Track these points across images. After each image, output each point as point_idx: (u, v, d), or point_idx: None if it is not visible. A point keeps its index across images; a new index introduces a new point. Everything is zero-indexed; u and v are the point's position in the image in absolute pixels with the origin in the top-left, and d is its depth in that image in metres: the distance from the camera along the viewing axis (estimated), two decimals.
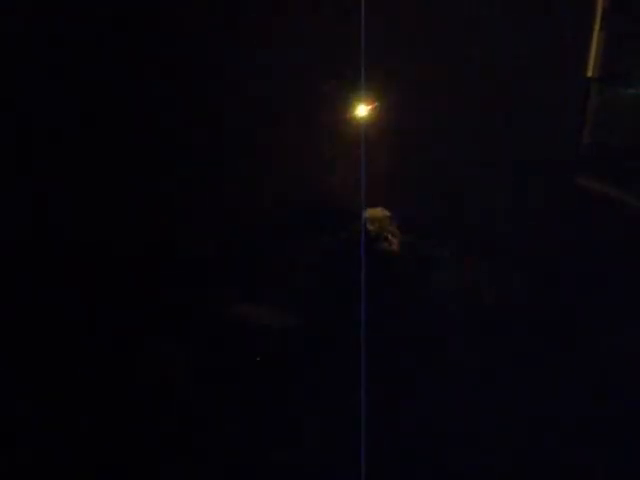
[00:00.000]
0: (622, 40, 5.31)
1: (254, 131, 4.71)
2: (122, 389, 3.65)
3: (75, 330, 3.94)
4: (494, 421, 3.51)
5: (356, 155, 4.43)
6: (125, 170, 4.44)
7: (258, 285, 4.50)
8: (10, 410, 3.48)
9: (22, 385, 3.58)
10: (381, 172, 5.09)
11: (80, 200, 4.32)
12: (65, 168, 4.28)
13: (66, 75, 4.20)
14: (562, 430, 3.53)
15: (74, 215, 4.34)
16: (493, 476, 3.31)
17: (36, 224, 4.20)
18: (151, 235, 4.54)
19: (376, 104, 4.75)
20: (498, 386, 3.71)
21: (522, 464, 3.38)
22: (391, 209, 5.13)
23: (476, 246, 5.04)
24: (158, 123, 4.44)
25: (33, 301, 4.00)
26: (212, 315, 4.19)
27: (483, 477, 3.32)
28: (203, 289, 4.37)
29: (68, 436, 3.35)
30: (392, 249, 4.92)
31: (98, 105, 4.31)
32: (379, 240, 4.95)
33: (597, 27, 5.42)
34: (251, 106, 4.66)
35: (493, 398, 3.63)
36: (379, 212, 5.10)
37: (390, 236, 4.98)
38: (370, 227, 4.97)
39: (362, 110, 4.69)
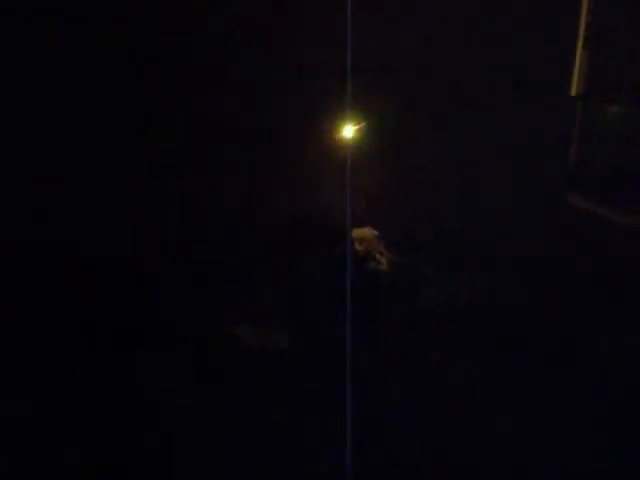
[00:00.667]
0: (605, 57, 5.36)
1: (238, 147, 4.70)
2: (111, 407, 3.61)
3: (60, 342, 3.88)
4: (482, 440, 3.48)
5: (343, 174, 4.43)
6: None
7: (244, 304, 4.42)
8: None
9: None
10: (368, 191, 5.09)
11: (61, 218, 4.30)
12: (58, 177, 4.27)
13: (64, 76, 4.18)
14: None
15: (66, 224, 4.35)
16: None
17: (32, 230, 4.19)
18: (134, 255, 4.52)
19: (362, 124, 4.76)
20: (488, 402, 3.69)
21: None
22: (379, 228, 5.13)
23: (465, 264, 5.04)
24: (143, 135, 4.44)
25: (30, 303, 3.99)
26: (199, 336, 4.14)
27: None
28: (188, 309, 4.33)
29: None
30: (381, 268, 4.90)
31: (88, 115, 4.30)
32: (367, 260, 4.94)
33: (580, 44, 5.47)
34: (235, 122, 4.66)
35: (484, 415, 3.60)
36: (367, 232, 5.09)
37: (378, 255, 4.97)
38: (358, 247, 4.95)
39: (349, 130, 4.70)
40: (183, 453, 3.40)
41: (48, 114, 4.17)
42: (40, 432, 3.40)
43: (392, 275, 4.84)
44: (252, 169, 4.78)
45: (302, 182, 4.97)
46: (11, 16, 3.95)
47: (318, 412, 3.60)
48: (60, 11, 4.05)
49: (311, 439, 3.46)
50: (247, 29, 4.57)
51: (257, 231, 4.86)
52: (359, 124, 4.91)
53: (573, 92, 5.56)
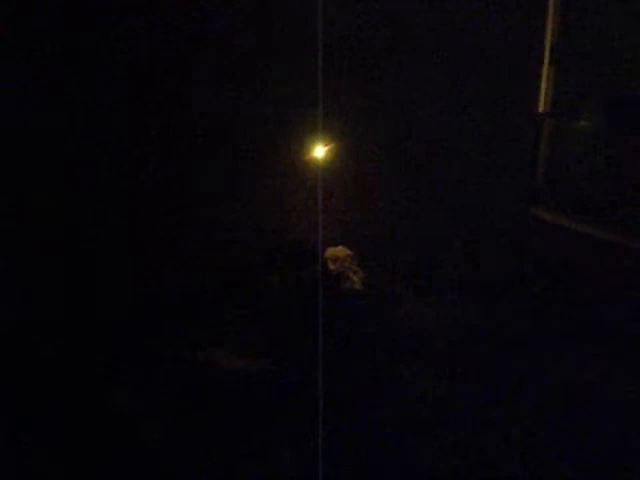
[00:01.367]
0: (571, 73, 5.45)
1: (206, 170, 4.70)
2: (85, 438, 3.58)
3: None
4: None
5: (314, 195, 4.45)
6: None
7: (217, 330, 4.42)
8: None
9: None
10: (340, 211, 5.12)
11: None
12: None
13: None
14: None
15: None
16: None
17: None
18: (109, 281, 4.46)
19: (332, 145, 4.78)
20: (466, 428, 3.71)
21: None
22: (352, 248, 5.16)
23: (437, 282, 5.09)
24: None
25: None
26: (174, 360, 4.13)
27: None
28: (163, 335, 4.32)
29: None
30: (354, 287, 4.93)
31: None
32: (341, 279, 4.96)
33: (546, 61, 5.56)
34: (205, 147, 4.66)
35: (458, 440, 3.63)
36: (340, 251, 5.12)
37: (352, 274, 4.99)
38: (331, 266, 4.98)
39: (319, 151, 4.72)
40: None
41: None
42: None
43: (365, 295, 4.87)
44: (218, 190, 4.75)
45: (272, 203, 4.98)
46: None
47: (292, 435, 3.60)
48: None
49: (286, 462, 3.46)
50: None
51: (227, 254, 4.83)
52: (329, 145, 4.94)
53: (540, 109, 5.65)
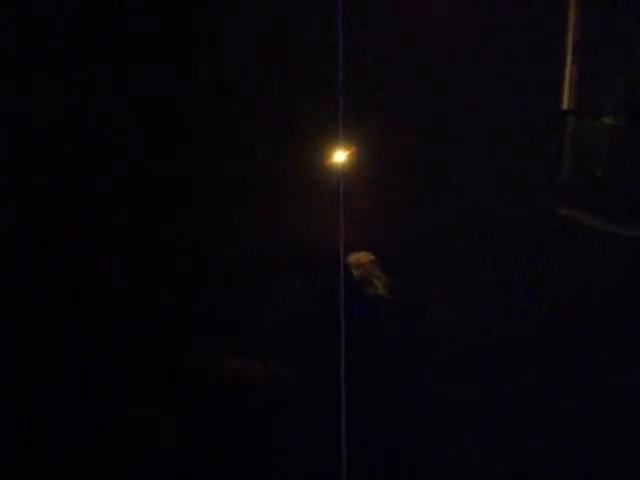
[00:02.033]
0: (594, 73, 5.37)
1: (229, 175, 4.69)
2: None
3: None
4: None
5: (335, 201, 4.43)
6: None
7: (242, 337, 4.45)
8: None
9: None
10: (363, 216, 5.09)
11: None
12: None
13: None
14: None
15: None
16: None
17: None
18: (128, 295, 4.52)
19: (354, 149, 4.76)
20: (487, 433, 3.69)
21: None
22: (375, 253, 5.15)
23: (461, 286, 5.05)
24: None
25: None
26: (202, 371, 4.13)
27: None
28: (187, 343, 4.33)
29: None
30: (378, 293, 4.92)
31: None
32: (364, 285, 4.96)
33: (569, 61, 5.48)
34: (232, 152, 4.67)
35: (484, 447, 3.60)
36: (363, 257, 5.12)
37: (375, 280, 4.98)
38: (354, 272, 4.97)
39: (340, 156, 4.71)
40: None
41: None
42: None
43: (389, 300, 4.86)
44: (242, 199, 4.75)
45: (293, 209, 4.97)
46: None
47: (311, 447, 3.60)
48: None
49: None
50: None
51: (247, 261, 4.83)
52: (351, 149, 4.91)
53: (564, 107, 5.57)
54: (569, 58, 5.48)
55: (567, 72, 5.53)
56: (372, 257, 5.02)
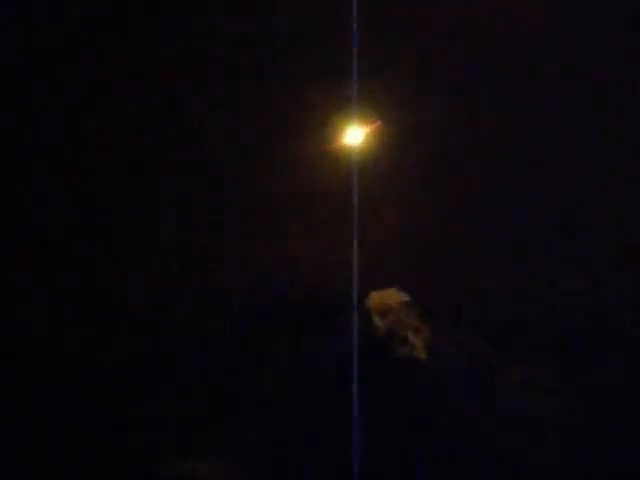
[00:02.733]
0: None
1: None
2: None
3: None
4: None
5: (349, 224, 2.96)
6: None
7: (209, 428, 3.26)
8: None
9: None
10: (385, 242, 3.42)
11: None
12: None
13: None
14: None
15: None
16: None
17: None
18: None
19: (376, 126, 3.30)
20: None
21: None
22: (410, 290, 3.36)
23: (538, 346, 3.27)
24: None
25: None
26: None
27: None
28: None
29: None
30: (414, 356, 3.19)
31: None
32: (394, 341, 3.22)
33: None
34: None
35: None
36: (392, 296, 3.34)
37: (410, 334, 3.23)
38: (378, 322, 3.21)
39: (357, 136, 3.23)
40: None
41: None
42: None
43: (436, 368, 3.07)
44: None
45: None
46: None
47: None
48: None
49: None
50: None
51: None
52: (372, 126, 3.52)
53: None
54: None
55: None
56: (406, 297, 3.30)
